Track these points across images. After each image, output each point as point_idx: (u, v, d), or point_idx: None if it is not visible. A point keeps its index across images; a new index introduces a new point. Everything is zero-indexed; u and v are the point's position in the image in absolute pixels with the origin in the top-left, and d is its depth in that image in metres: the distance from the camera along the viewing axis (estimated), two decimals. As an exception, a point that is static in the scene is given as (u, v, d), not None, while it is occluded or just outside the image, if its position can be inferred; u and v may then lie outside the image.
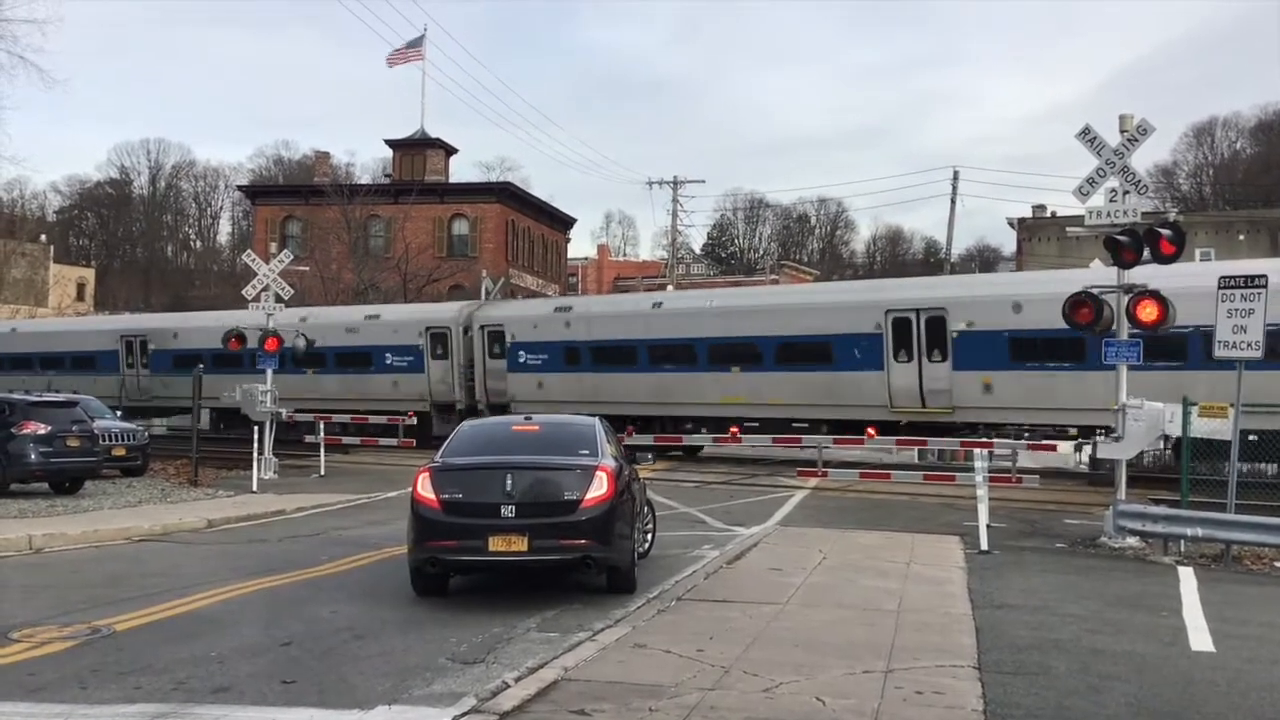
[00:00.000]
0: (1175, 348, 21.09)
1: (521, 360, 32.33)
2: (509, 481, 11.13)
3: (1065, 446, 20.42)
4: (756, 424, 27.90)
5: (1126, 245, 15.55)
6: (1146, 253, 15.57)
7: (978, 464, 16.31)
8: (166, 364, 39.21)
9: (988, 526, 15.46)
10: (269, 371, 27.46)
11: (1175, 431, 15.79)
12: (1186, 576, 13.28)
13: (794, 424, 27.27)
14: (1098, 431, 18.99)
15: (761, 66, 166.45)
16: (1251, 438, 15.57)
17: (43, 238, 79.84)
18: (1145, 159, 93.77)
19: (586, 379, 31.04)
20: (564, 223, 77.54)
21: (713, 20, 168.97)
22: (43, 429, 21.07)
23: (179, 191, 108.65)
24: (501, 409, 31.46)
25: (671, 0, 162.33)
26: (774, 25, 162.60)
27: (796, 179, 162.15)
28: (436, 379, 34.03)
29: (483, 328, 33.58)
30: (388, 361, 34.88)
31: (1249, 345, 14.80)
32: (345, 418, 32.73)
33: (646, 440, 27.30)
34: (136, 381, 40.14)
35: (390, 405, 33.64)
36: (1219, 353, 15.13)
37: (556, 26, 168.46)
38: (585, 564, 11.36)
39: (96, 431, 22.79)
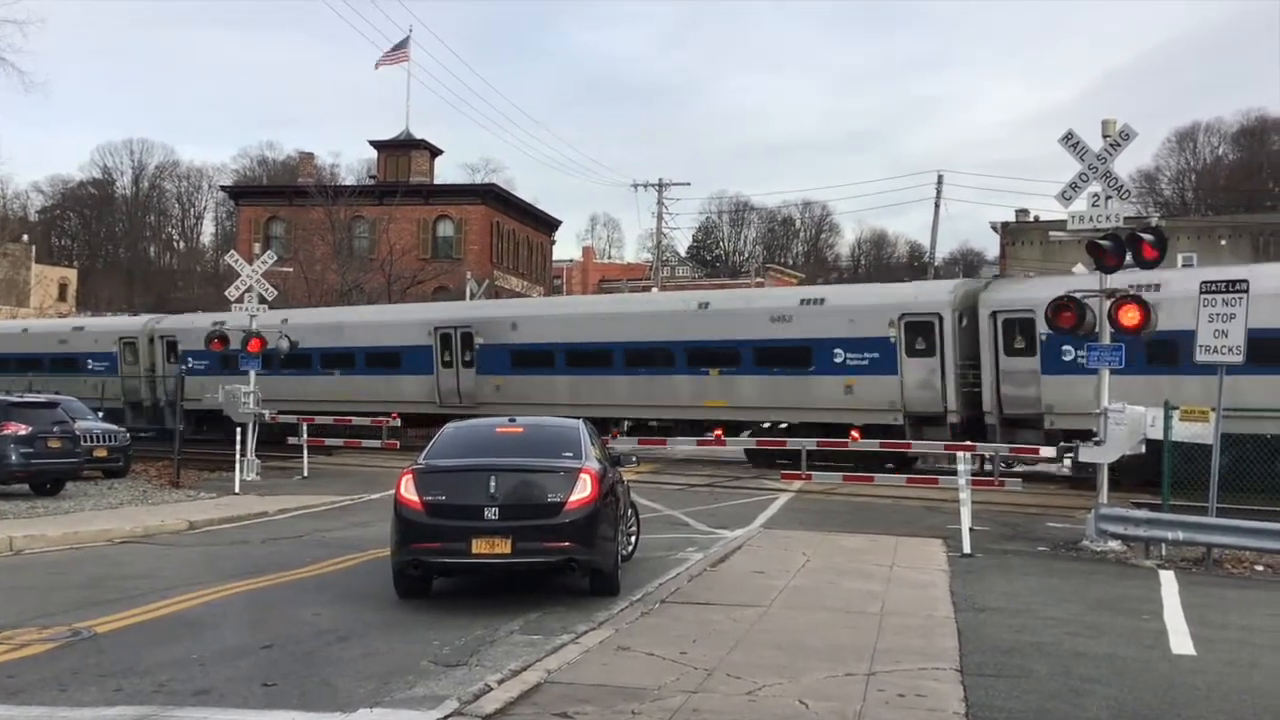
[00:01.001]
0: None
1: (1068, 358, 23.91)
2: (492, 484, 11.11)
3: (1048, 450, 20.41)
4: None
5: (1109, 250, 15.62)
6: (1129, 257, 15.65)
7: (960, 467, 16.36)
8: (502, 362, 32.95)
9: (970, 529, 15.50)
10: (252, 372, 27.30)
11: (1157, 435, 15.86)
12: (1168, 580, 13.35)
13: None
14: None
15: (749, 71, 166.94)
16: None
17: (24, 238, 79.40)
18: (1128, 164, 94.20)
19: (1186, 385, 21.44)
20: (549, 225, 77.52)
21: (700, 25, 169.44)
22: (24, 430, 20.95)
23: (162, 192, 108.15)
24: (1025, 424, 25.20)
25: (659, 4, 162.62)
26: (762, 30, 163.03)
27: (782, 183, 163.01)
28: (915, 382, 26.25)
29: (995, 314, 25.53)
30: (837, 359, 27.24)
31: (1230, 350, 14.87)
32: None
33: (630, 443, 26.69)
34: (456, 384, 33.70)
35: (840, 415, 26.97)
36: (1200, 357, 15.20)
37: (543, 30, 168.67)
38: (569, 566, 11.36)
39: (78, 432, 22.67)
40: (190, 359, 37.50)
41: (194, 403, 33.70)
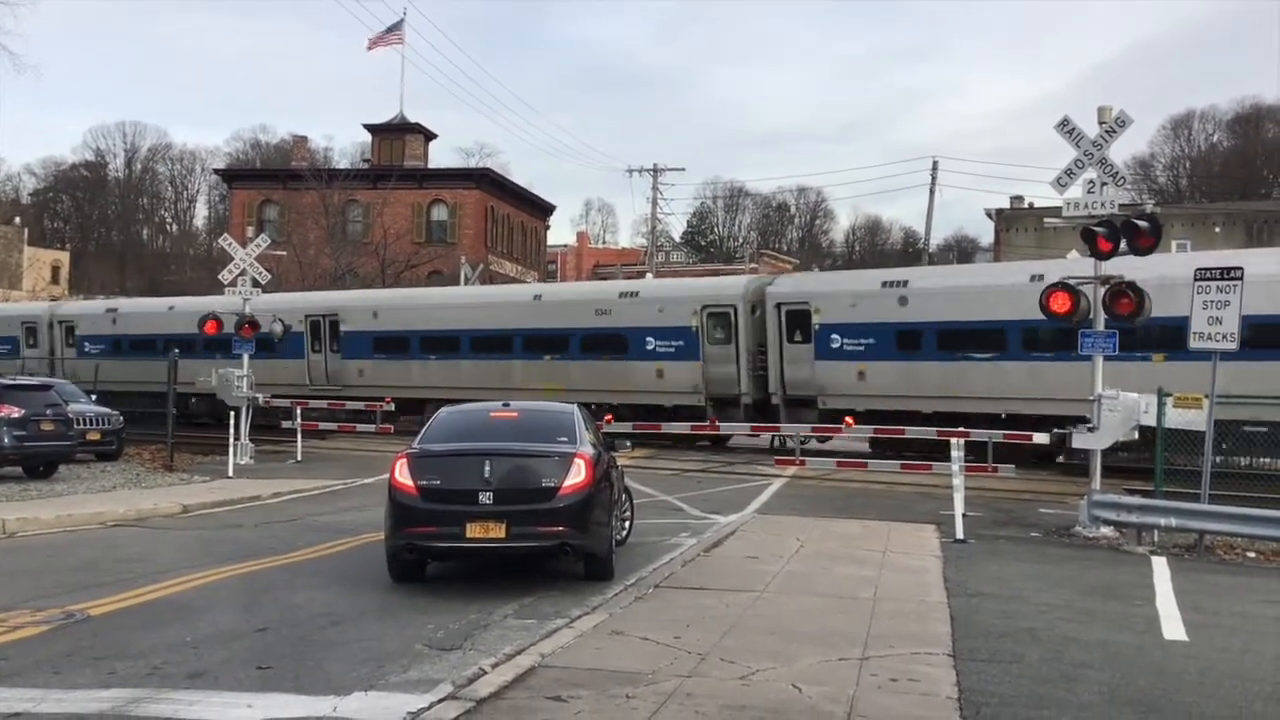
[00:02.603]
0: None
1: None
2: (487, 468, 11.11)
3: (1042, 436, 20.42)
4: None
5: (1103, 236, 15.62)
6: (1124, 244, 15.65)
7: (954, 454, 16.37)
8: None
9: (963, 515, 15.52)
10: (245, 356, 27.18)
11: (1150, 422, 15.89)
12: (1160, 566, 13.38)
13: None
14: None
15: (746, 61, 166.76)
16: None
17: (17, 220, 79.14)
18: (1123, 151, 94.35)
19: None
20: (543, 210, 77.40)
21: (698, 15, 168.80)
22: (16, 412, 20.87)
23: (155, 175, 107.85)
24: None
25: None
26: (759, 20, 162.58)
27: (777, 170, 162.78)
28: None
29: None
30: None
31: (1224, 337, 14.87)
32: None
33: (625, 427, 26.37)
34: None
35: None
36: (1194, 344, 15.20)
37: (539, 17, 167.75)
38: (563, 551, 11.37)
39: (71, 415, 22.60)
40: (837, 335, 26.72)
41: (867, 398, 26.24)
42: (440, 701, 7.25)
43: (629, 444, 16.94)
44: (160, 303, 42.21)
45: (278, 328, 28.39)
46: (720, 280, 32.53)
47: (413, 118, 67.01)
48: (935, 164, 58.45)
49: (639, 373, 29.38)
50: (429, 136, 68.00)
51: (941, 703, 7.35)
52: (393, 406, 31.57)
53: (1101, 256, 15.89)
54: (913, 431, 23.82)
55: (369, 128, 68.32)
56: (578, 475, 11.21)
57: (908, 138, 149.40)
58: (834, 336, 26.66)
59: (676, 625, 9.42)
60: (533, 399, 28.76)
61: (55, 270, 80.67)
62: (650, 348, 29.18)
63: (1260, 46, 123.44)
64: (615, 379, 29.53)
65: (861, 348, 26.08)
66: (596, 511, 11.46)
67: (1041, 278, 22.76)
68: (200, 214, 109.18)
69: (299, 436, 27.95)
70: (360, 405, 31.79)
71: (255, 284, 27.72)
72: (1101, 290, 15.81)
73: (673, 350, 28.98)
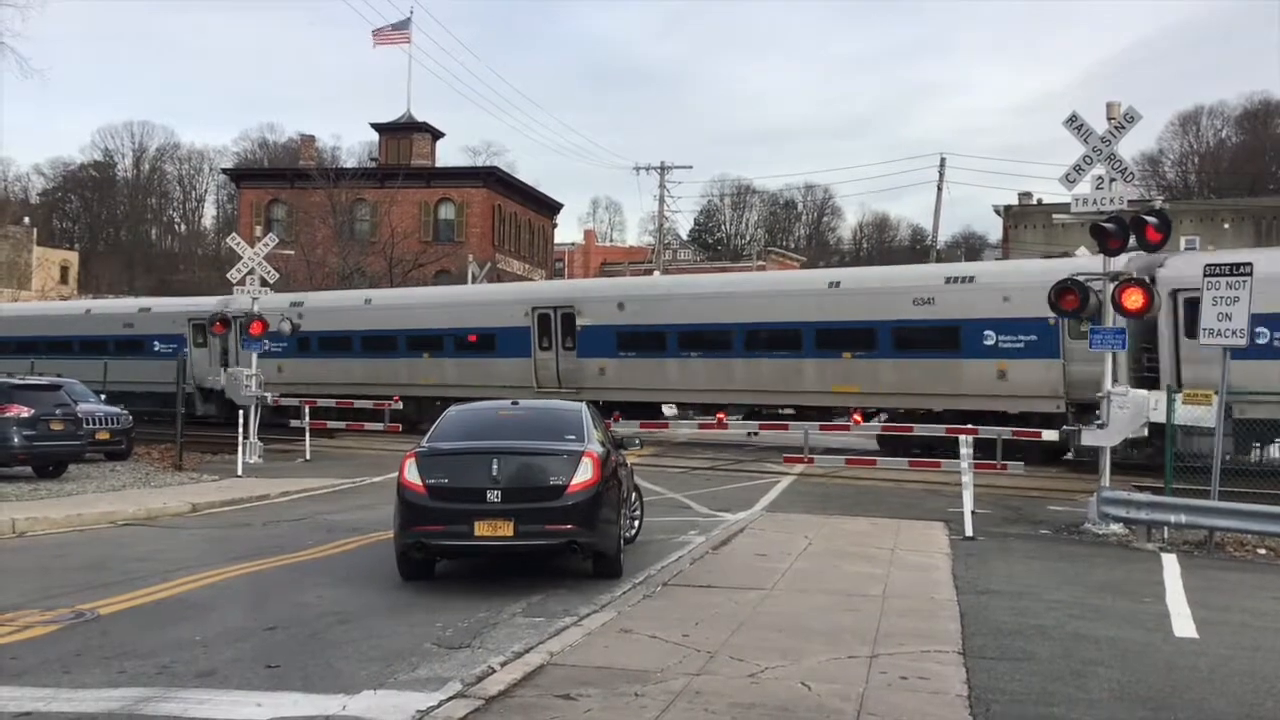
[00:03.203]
0: None
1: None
2: (495, 466, 11.12)
3: (1051, 433, 20.38)
4: None
5: (1112, 233, 15.57)
6: (1132, 240, 15.60)
7: (963, 450, 16.33)
8: None
9: (972, 513, 15.50)
10: (254, 355, 27.26)
11: (1159, 418, 15.83)
12: (1170, 563, 13.34)
13: None
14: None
15: (751, 57, 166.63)
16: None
17: (26, 220, 79.37)
18: (1132, 147, 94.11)
19: None
20: (551, 208, 77.38)
21: (702, 10, 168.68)
22: (26, 412, 20.94)
23: (163, 174, 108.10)
24: None
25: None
26: (763, 16, 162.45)
27: (784, 167, 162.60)
28: None
29: None
30: None
31: (1234, 333, 14.83)
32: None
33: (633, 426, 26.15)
34: None
35: None
36: (1204, 340, 15.16)
37: (545, 13, 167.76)
38: (571, 549, 11.36)
39: (80, 415, 22.66)
40: (1264, 329, 20.61)
41: None
42: (449, 700, 7.25)
43: (638, 443, 16.95)
44: (355, 295, 37.69)
45: (285, 326, 28.42)
46: (1090, 262, 28.38)
47: (420, 117, 67.05)
48: (943, 160, 58.43)
49: (973, 373, 25.04)
50: (436, 135, 68.05)
51: (951, 700, 7.34)
52: (400, 405, 31.36)
53: (1111, 253, 15.86)
54: (921, 429, 23.78)
55: (376, 127, 68.39)
56: (586, 473, 11.21)
57: (913, 134, 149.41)
58: (1260, 330, 20.33)
59: (685, 623, 9.41)
60: (826, 402, 26.45)
61: (64, 270, 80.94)
62: (990, 343, 24.77)
63: (1268, 42, 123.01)
64: (940, 380, 25.48)
65: None
66: (604, 509, 11.46)
67: None
68: (208, 214, 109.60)
69: (307, 435, 27.99)
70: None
71: (264, 282, 27.81)
72: (1111, 286, 15.76)
73: (1021, 346, 24.43)
